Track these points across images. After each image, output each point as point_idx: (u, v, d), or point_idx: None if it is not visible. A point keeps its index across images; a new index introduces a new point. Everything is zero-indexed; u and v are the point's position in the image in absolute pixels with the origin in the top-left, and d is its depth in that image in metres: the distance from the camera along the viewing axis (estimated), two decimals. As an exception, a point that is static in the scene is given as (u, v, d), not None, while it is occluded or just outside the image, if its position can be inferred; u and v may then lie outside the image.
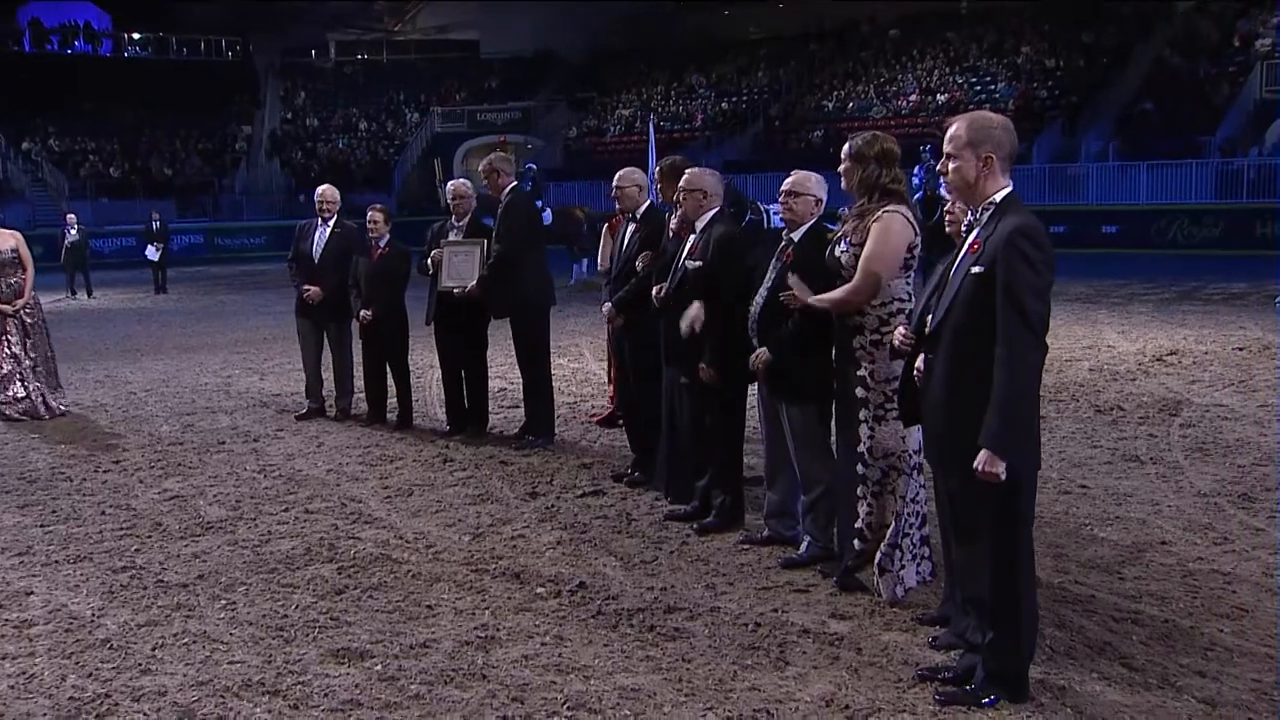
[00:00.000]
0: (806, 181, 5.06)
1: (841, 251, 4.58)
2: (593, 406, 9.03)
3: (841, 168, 4.66)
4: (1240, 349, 10.81)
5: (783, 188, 5.10)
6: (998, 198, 3.58)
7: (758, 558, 5.25)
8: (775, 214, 6.97)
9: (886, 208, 4.48)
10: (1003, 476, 3.41)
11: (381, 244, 8.39)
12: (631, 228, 6.66)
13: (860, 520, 4.70)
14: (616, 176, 6.73)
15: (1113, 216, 26.25)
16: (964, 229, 3.71)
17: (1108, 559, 5.13)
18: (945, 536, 4.13)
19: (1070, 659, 4.05)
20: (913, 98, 33.68)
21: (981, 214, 3.59)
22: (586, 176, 33.92)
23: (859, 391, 4.56)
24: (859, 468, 4.65)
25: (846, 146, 4.66)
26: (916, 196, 12.11)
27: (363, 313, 8.33)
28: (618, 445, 7.53)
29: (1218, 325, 12.62)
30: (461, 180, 8.28)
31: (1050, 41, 33.37)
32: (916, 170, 15.42)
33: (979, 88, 32.75)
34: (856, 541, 4.74)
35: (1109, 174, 27.69)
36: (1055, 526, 5.57)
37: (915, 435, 4.52)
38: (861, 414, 4.59)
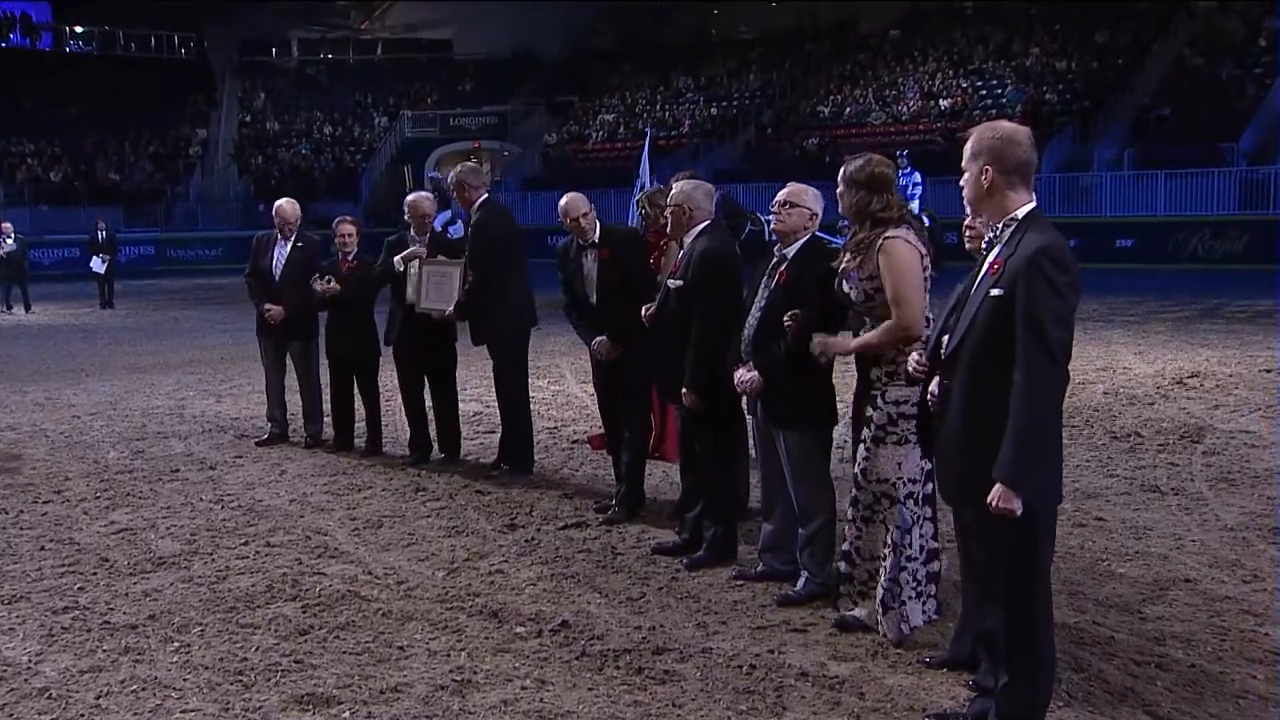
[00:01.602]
0: (803, 194, 5.12)
1: (850, 288, 4.65)
2: (575, 431, 9.03)
3: (837, 191, 4.76)
4: (1267, 371, 10.88)
5: (777, 198, 5.15)
6: (1019, 214, 3.58)
7: (752, 594, 5.25)
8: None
9: (886, 234, 4.56)
10: (1018, 511, 3.43)
11: (350, 258, 8.39)
12: (591, 255, 6.64)
13: (848, 543, 4.79)
14: (561, 211, 6.65)
15: (1128, 229, 26.45)
16: (984, 246, 3.73)
17: (1128, 597, 5.15)
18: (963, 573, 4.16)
19: (1089, 706, 4.06)
20: (914, 102, 33.89)
21: (1002, 230, 3.61)
22: (567, 186, 33.94)
23: (866, 410, 4.63)
24: (852, 489, 4.72)
25: (841, 170, 4.75)
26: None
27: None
28: (601, 474, 7.53)
29: (1242, 345, 12.71)
30: (423, 194, 8.28)
31: (1061, 42, 33.65)
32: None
33: (985, 92, 32.99)
34: (843, 564, 4.83)
35: (1124, 183, 27.90)
36: (1070, 562, 5.58)
37: (913, 462, 4.57)
38: (863, 433, 4.65)
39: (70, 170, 40.56)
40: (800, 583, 5.17)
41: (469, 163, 8.31)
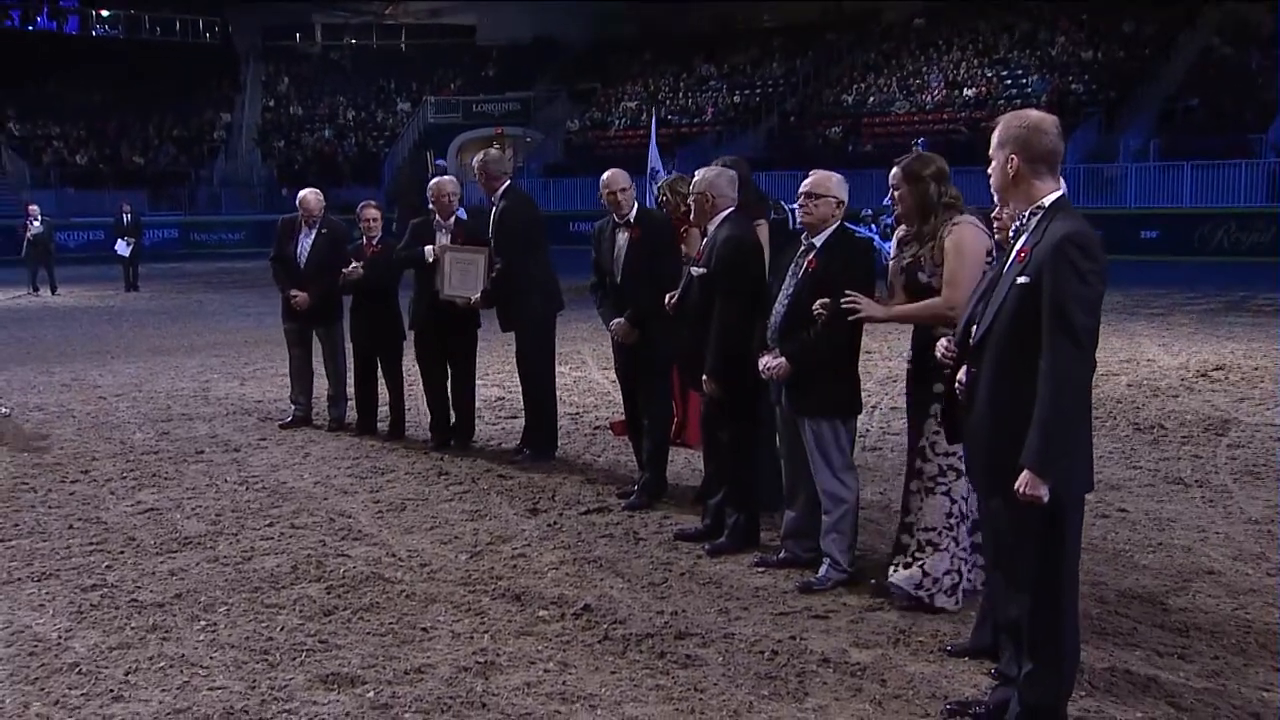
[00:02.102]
0: (827, 182, 5.12)
1: (929, 278, 4.68)
2: (596, 417, 9.05)
3: (896, 193, 4.78)
4: (1292, 364, 10.81)
5: (801, 189, 5.15)
6: (1046, 201, 3.57)
7: (773, 581, 5.26)
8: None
9: (953, 221, 4.61)
10: (1045, 499, 3.42)
11: (374, 242, 8.43)
12: (624, 235, 6.65)
13: (911, 515, 4.84)
14: (602, 183, 6.68)
15: (1153, 220, 26.29)
16: (1011, 234, 3.73)
17: (1151, 589, 5.13)
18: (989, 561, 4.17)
19: (1111, 696, 4.06)
20: (939, 92, 33.72)
21: (1029, 218, 3.60)
22: (588, 172, 34.02)
23: (936, 387, 4.62)
24: (916, 461, 4.79)
25: (896, 170, 4.78)
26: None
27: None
28: (623, 459, 7.54)
29: (1268, 338, 12.63)
30: (447, 177, 8.33)
31: (1087, 31, 33.44)
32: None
33: (1009, 81, 32.81)
34: (904, 536, 4.87)
35: (1149, 174, 27.73)
36: (1093, 553, 5.56)
37: None
38: (931, 407, 4.67)
39: (95, 153, 40.81)
40: (822, 569, 5.18)
41: (493, 150, 8.30)
